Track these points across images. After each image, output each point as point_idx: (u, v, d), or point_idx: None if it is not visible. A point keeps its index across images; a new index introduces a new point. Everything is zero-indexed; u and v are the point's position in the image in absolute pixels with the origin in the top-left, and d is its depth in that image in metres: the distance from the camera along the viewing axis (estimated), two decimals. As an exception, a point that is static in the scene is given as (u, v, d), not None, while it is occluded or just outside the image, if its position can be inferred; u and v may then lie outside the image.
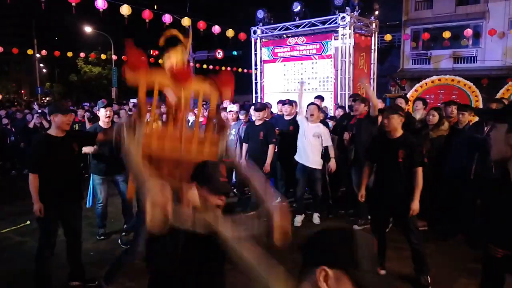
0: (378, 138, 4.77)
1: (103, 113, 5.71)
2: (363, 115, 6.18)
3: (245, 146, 7.10)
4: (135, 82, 2.74)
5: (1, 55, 24.32)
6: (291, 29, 11.74)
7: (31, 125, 9.74)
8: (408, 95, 9.94)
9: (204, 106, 8.51)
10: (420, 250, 4.42)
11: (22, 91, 59.55)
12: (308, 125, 6.47)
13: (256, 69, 12.58)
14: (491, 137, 2.34)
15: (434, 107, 6.38)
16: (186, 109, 2.99)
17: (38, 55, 29.10)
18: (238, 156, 7.36)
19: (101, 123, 5.77)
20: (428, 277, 4.41)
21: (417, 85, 11.15)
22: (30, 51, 24.39)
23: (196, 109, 3.52)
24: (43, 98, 35.41)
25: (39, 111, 11.71)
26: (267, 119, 7.34)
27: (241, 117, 7.85)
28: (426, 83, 10.84)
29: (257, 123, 6.98)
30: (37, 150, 4.15)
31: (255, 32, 12.43)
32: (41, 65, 41.48)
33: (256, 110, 7.06)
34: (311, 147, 6.42)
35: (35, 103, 19.86)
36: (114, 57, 28.79)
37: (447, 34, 19.68)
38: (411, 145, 4.35)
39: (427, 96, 10.06)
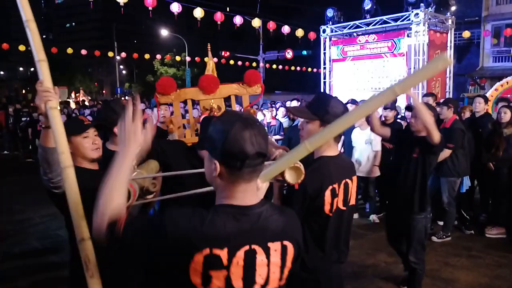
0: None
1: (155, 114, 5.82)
2: (450, 122, 5.32)
3: None
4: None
5: (85, 58, 26.11)
6: (362, 27, 11.52)
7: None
8: (487, 95, 9.40)
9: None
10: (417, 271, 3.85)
11: (104, 91, 63.67)
12: (358, 131, 6.16)
13: (325, 68, 12.51)
14: None
15: (505, 104, 6.01)
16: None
17: (118, 57, 30.91)
18: None
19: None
20: None
21: (497, 84, 10.48)
22: (110, 54, 26.00)
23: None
24: (123, 97, 37.51)
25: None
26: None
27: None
28: (507, 82, 10.18)
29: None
30: None
31: (324, 31, 12.35)
32: (121, 66, 43.99)
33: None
34: (362, 155, 6.12)
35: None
36: (188, 58, 29.84)
37: (532, 30, 18.29)
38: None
39: (509, 95, 9.44)
